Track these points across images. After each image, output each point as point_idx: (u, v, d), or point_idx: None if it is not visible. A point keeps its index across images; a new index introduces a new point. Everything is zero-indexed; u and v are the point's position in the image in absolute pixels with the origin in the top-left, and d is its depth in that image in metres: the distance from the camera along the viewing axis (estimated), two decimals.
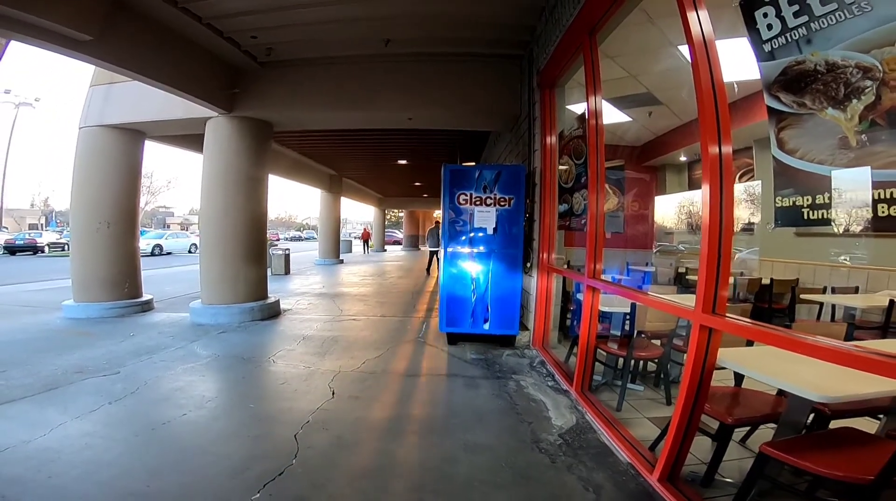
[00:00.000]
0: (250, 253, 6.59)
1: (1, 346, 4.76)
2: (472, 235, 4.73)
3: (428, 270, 13.44)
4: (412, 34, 5.41)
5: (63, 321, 6.23)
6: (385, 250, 26.61)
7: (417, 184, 19.88)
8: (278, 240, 49.91)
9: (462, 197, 4.72)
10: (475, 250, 4.75)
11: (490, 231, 4.70)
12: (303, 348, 4.99)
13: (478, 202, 4.71)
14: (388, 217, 38.91)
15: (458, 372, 4.28)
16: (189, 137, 7.68)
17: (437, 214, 36.93)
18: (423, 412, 3.36)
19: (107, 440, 2.76)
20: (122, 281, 6.97)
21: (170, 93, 5.58)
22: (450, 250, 4.78)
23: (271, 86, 6.36)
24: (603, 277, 3.40)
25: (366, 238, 28.19)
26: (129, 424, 2.99)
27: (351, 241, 28.12)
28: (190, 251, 24.28)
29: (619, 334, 3.91)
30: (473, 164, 5.52)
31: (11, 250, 21.65)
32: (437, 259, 14.12)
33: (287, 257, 12.80)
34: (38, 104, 31.76)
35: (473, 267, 4.76)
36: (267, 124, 6.74)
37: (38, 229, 40.23)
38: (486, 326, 4.90)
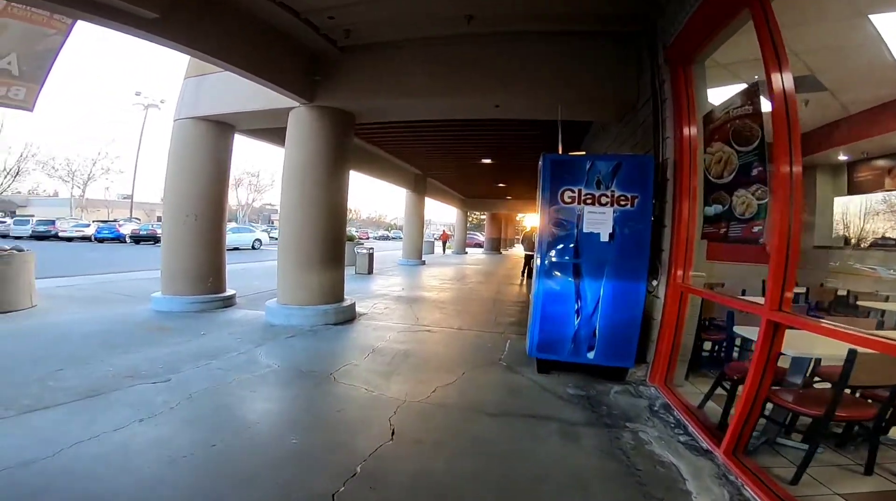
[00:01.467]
0: (327, 252, 6.10)
1: (78, 338, 4.64)
2: (578, 241, 3.67)
3: (523, 274, 12.69)
4: (504, 9, 4.52)
5: (148, 313, 6.19)
6: (466, 253, 25.94)
7: (501, 185, 18.89)
8: (367, 238, 51.95)
9: (568, 194, 3.69)
10: (582, 261, 3.69)
11: (604, 237, 3.61)
12: (370, 363, 4.29)
13: (589, 201, 3.64)
14: (470, 219, 38.34)
15: (551, 413, 3.28)
16: (275, 131, 7.46)
17: (521, 217, 35.54)
18: (501, 471, 2.44)
19: (113, 470, 2.20)
20: (206, 275, 6.87)
21: (248, 79, 5.21)
22: (549, 258, 3.76)
23: (351, 73, 5.81)
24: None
25: (444, 240, 28.24)
26: (148, 452, 2.42)
27: (433, 242, 27.99)
28: (253, 247, 24.18)
29: (798, 381, 2.70)
30: (583, 153, 4.46)
31: (136, 239, 24.31)
32: (531, 266, 13.31)
33: (371, 256, 12.53)
34: (164, 106, 35.67)
35: (579, 281, 3.70)
36: (348, 115, 6.21)
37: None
38: (591, 354, 3.83)
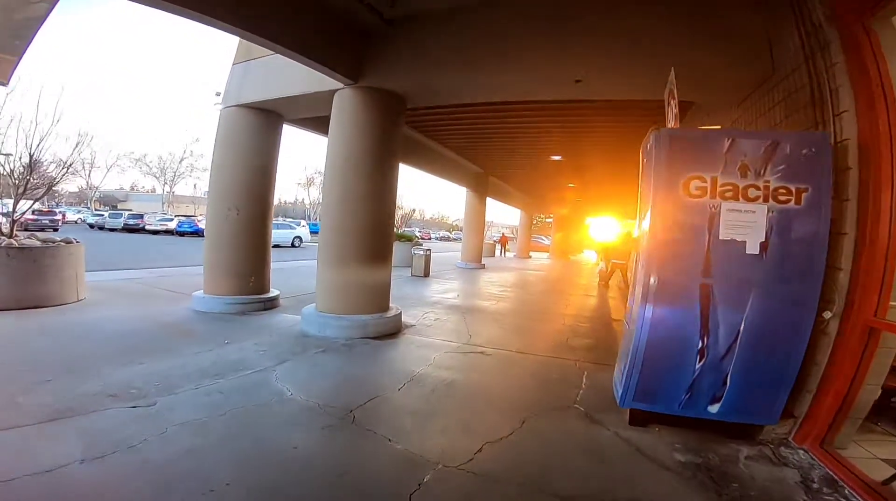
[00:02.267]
0: (370, 255, 5.30)
1: (96, 340, 4.18)
2: (710, 252, 2.49)
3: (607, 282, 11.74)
4: None
5: (185, 313, 5.76)
6: (530, 257, 24.54)
7: (571, 185, 17.36)
8: (429, 238, 51.86)
9: (695, 185, 2.51)
10: (715, 282, 2.49)
11: (752, 248, 2.39)
12: (404, 397, 3.38)
13: (728, 194, 2.45)
14: (535, 223, 36.62)
15: (655, 495, 2.17)
16: (325, 120, 6.85)
17: (588, 222, 33.33)
18: None
19: None
20: (247, 274, 6.37)
21: (288, 58, 4.55)
22: (660, 276, 2.60)
23: (399, 48, 4.97)
24: None
25: (504, 243, 27.77)
26: None
27: (495, 245, 26.91)
28: (293, 245, 23.99)
29: None
30: (717, 127, 3.25)
31: (199, 233, 25.52)
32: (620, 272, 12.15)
33: (428, 258, 11.74)
34: None
35: (708, 310, 2.51)
36: (397, 97, 5.38)
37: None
38: (715, 407, 2.64)
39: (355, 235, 5.21)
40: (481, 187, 15.59)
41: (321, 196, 5.49)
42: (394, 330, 5.40)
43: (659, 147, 2.62)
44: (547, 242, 35.43)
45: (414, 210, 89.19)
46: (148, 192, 54.02)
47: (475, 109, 8.43)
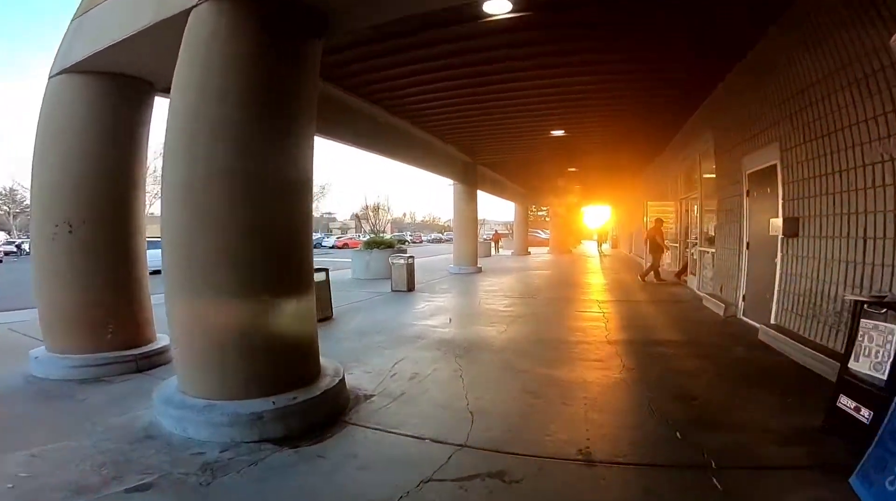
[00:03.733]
0: (267, 282, 2.82)
1: None
2: None
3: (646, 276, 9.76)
4: None
5: (15, 379, 3.26)
6: (529, 254, 22.05)
7: (572, 169, 14.92)
8: (420, 242, 49.16)
9: None
10: None
11: None
12: None
13: None
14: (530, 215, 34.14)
15: None
16: None
17: (585, 210, 30.93)
18: None
19: None
20: (102, 320, 3.84)
21: None
22: None
23: None
24: None
25: (497, 240, 26.69)
26: None
27: (490, 243, 24.47)
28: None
29: None
30: None
31: None
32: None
33: (410, 267, 9.20)
34: None
35: None
36: (298, 10, 2.89)
37: None
38: None
39: (234, 247, 2.70)
40: (470, 178, 13.11)
41: (161, 187, 2.91)
42: (327, 418, 2.87)
43: None
44: (544, 236, 32.98)
45: (405, 214, 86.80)
46: None
47: (453, 74, 6.06)
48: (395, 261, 9.03)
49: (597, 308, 6.93)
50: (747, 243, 5.75)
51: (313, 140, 3.21)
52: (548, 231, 30.13)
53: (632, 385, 3.51)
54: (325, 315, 6.33)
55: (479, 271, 13.13)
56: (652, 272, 9.70)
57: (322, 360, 3.31)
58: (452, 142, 11.09)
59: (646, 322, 5.95)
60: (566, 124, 8.99)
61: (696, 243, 8.71)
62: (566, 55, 5.52)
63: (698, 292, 7.97)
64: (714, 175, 7.04)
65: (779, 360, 4.07)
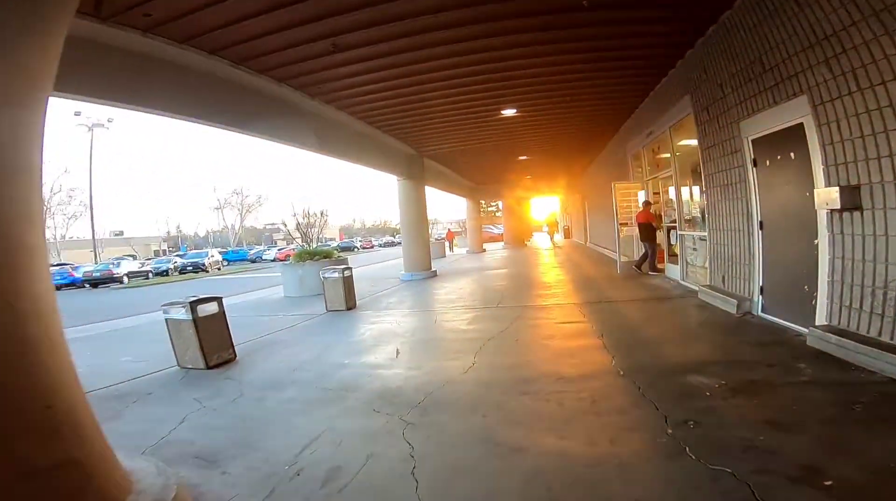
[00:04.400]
0: None
1: None
2: None
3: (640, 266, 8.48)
4: None
5: None
6: (485, 251, 20.84)
7: (523, 157, 13.75)
8: (371, 247, 46.92)
9: None
10: None
11: None
12: None
13: None
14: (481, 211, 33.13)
15: None
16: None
17: (534, 201, 30.24)
18: None
19: None
20: None
21: None
22: None
23: None
24: None
25: (450, 239, 26.00)
26: None
27: (444, 243, 23.09)
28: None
29: None
30: None
31: (93, 282, 19.67)
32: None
33: (348, 281, 7.50)
34: (112, 124, 30.87)
35: None
36: None
37: (162, 254, 41.14)
38: None
39: None
40: (416, 172, 11.54)
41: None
42: None
43: None
44: (497, 231, 32.09)
45: (354, 220, 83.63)
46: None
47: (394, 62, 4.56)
48: (327, 276, 7.29)
49: (578, 315, 5.59)
50: (760, 223, 4.60)
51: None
52: (500, 226, 29.19)
53: (707, 469, 2.08)
54: (223, 358, 4.60)
55: (434, 275, 11.61)
56: (645, 263, 8.51)
57: (140, 462, 1.66)
58: (393, 132, 9.49)
59: (649, 333, 4.65)
60: (518, 101, 7.66)
61: (673, 227, 7.65)
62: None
63: (685, 283, 6.88)
64: (698, 147, 5.91)
65: (872, 379, 2.83)
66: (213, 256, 26.35)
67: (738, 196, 4.91)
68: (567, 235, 28.75)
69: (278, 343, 5.51)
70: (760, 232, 4.60)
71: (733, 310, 4.86)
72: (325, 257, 10.22)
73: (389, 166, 10.86)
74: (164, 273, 26.35)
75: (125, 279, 22.40)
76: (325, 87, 6.33)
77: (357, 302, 7.74)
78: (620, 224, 8.74)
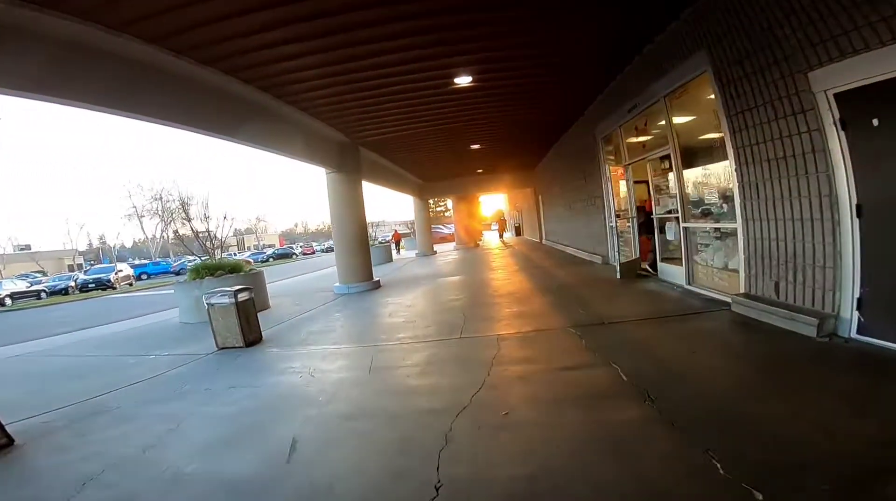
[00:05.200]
0: None
1: None
2: None
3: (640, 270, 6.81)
4: None
5: None
6: (435, 253, 18.91)
7: (475, 146, 11.98)
8: (312, 253, 43.20)
9: None
10: None
11: None
12: None
13: None
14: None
15: None
16: None
17: (483, 199, 28.83)
18: None
19: None
20: None
21: None
22: None
23: None
24: None
25: (397, 240, 24.77)
26: None
27: (390, 245, 20.99)
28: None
29: None
30: None
31: None
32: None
33: (246, 306, 5.25)
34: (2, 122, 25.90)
35: None
36: None
37: (78, 269, 35.80)
38: None
39: None
40: (350, 163, 9.37)
41: None
42: None
43: None
44: (447, 231, 30.34)
45: (297, 224, 78.74)
46: None
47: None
48: (214, 302, 5.01)
49: (582, 350, 3.76)
50: (857, 208, 3.02)
51: None
52: (451, 226, 27.44)
53: None
54: None
55: (377, 286, 9.49)
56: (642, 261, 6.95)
57: None
58: (319, 114, 7.32)
59: (718, 385, 2.86)
60: (466, 70, 5.86)
61: (668, 219, 6.13)
62: None
63: (695, 288, 5.34)
64: (722, 114, 4.33)
65: None
66: (121, 270, 22.38)
67: (810, 171, 3.32)
68: (518, 232, 27.55)
69: (104, 415, 3.33)
70: (858, 221, 3.01)
71: (810, 332, 3.26)
72: (231, 272, 7.81)
73: (316, 156, 8.63)
74: (64, 292, 22.38)
75: (8, 301, 18.54)
76: (220, 49, 4.24)
77: (265, 333, 5.52)
78: (619, 216, 7.11)
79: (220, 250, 8.67)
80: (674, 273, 6.02)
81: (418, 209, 19.31)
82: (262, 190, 78.97)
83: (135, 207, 32.95)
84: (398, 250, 23.93)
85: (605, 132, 8.13)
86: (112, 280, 21.61)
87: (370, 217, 13.64)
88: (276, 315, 7.21)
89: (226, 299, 5.05)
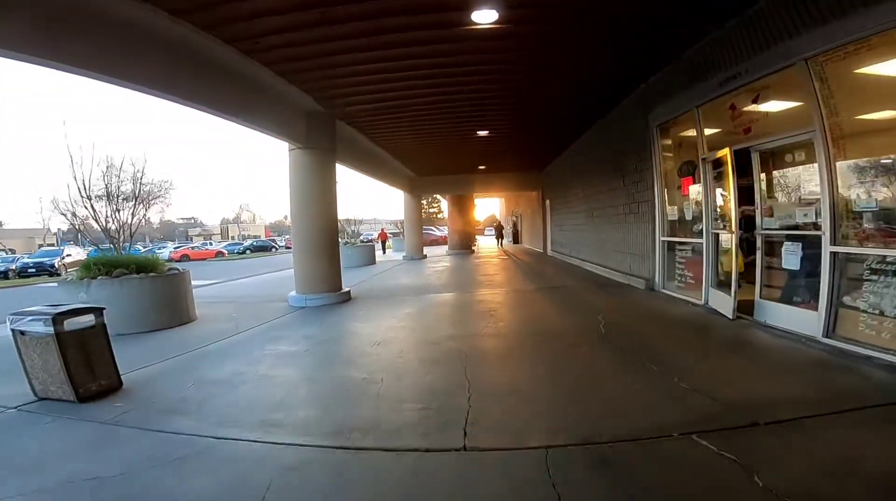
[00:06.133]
0: None
1: None
2: None
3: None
4: None
5: None
6: (425, 256, 16.67)
7: (483, 133, 9.76)
8: (275, 249, 39.22)
9: None
10: None
11: None
12: None
13: None
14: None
15: None
16: None
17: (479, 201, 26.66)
18: None
19: None
20: None
21: None
22: None
23: None
24: None
25: (383, 240, 23.28)
26: None
27: (375, 244, 18.82)
28: None
29: None
30: None
31: None
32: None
33: (85, 338, 2.97)
34: None
35: None
36: None
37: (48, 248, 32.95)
38: None
39: None
40: (322, 138, 7.11)
41: None
42: None
43: None
44: (439, 233, 28.12)
45: (286, 216, 75.68)
46: None
47: None
48: (26, 329, 2.74)
49: None
50: None
51: None
52: (443, 228, 25.25)
53: None
54: None
55: (347, 299, 7.23)
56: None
57: None
58: (283, 72, 5.08)
59: None
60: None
61: (793, 235, 4.00)
62: None
63: (844, 345, 3.20)
64: None
65: None
66: (69, 255, 19.75)
67: None
68: (516, 239, 25.39)
69: None
70: None
71: None
72: (138, 272, 5.50)
73: (280, 127, 6.37)
74: (4, 275, 19.91)
75: None
76: None
77: (141, 372, 3.23)
78: (725, 227, 4.77)
79: (130, 243, 6.32)
80: (791, 318, 3.89)
81: (409, 206, 17.05)
82: (252, 181, 75.77)
83: (76, 178, 29.96)
84: (384, 251, 21.66)
85: (667, 118, 6.00)
86: (56, 266, 18.98)
87: (358, 214, 11.35)
88: (188, 338, 4.93)
89: (42, 329, 2.76)
